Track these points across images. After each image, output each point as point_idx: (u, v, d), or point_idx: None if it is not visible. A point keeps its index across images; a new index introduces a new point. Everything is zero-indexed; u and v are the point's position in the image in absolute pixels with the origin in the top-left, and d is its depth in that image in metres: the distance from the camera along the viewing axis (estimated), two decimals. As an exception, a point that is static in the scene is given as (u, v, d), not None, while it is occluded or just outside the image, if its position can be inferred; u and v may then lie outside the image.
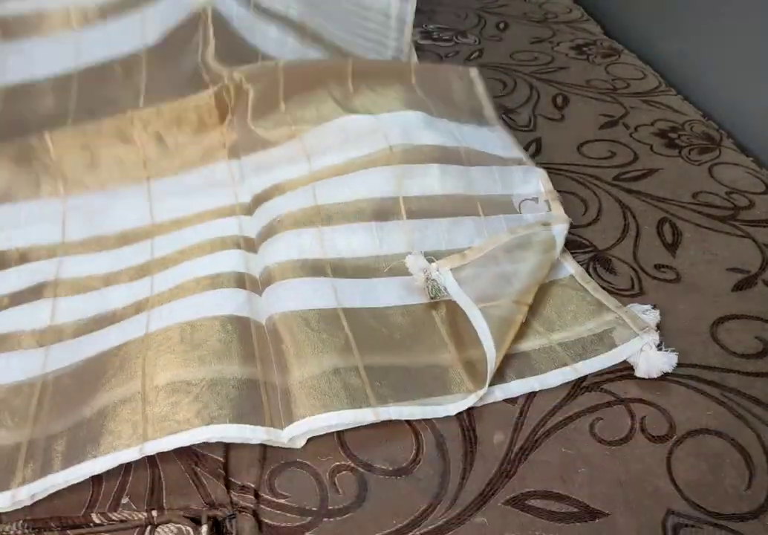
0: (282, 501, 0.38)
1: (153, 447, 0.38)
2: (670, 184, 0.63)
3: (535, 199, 0.58)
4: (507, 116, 0.74)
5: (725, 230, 0.58)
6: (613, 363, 0.46)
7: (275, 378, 0.44)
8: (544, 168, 0.64)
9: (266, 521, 0.38)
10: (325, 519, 0.38)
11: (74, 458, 0.39)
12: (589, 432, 0.42)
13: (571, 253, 0.55)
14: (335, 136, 0.59)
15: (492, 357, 0.44)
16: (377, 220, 0.54)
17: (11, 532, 0.37)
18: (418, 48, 0.86)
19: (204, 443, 0.39)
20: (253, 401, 0.42)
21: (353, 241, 0.53)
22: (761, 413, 0.43)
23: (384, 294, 0.51)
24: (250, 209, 0.57)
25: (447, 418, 0.43)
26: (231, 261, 0.52)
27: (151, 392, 0.41)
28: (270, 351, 0.46)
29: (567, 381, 0.45)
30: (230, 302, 0.48)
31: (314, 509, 0.38)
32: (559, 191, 0.62)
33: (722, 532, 0.37)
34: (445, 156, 0.58)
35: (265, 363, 0.45)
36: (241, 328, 0.46)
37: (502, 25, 0.95)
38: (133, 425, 0.39)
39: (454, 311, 0.48)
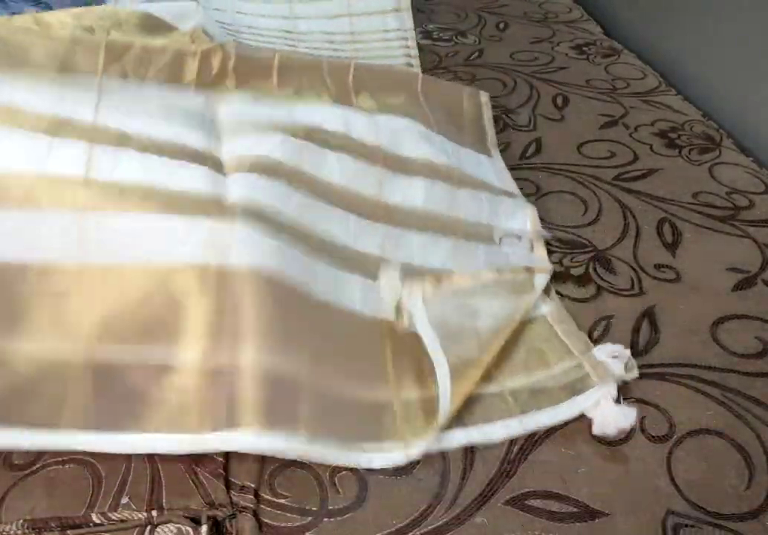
0: (282, 501, 0.38)
1: None
2: (670, 184, 0.63)
3: (518, 237, 0.56)
4: (507, 116, 0.74)
5: (725, 230, 0.58)
6: (567, 418, 0.42)
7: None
8: (545, 168, 0.64)
9: (266, 521, 0.38)
10: (325, 519, 0.38)
11: None
12: (589, 432, 0.42)
13: (571, 253, 0.55)
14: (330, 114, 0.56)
15: (446, 408, 0.41)
16: (355, 214, 0.51)
17: (11, 532, 0.37)
18: (419, 48, 0.86)
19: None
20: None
21: (330, 228, 0.50)
22: (761, 413, 0.43)
23: (349, 290, 0.47)
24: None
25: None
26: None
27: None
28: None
29: (511, 436, 0.41)
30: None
31: (314, 509, 0.38)
32: (559, 191, 0.62)
33: (722, 532, 0.37)
34: (434, 171, 0.56)
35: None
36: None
37: (502, 25, 0.95)
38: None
39: (410, 341, 0.45)
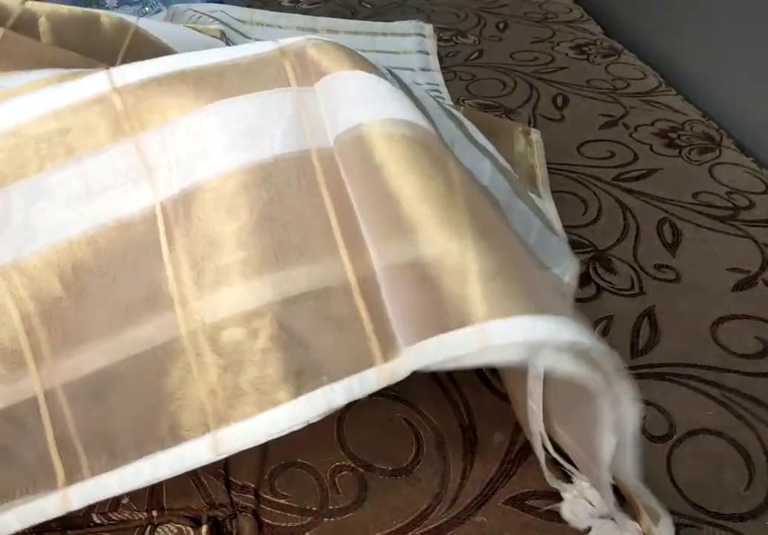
0: (282, 501, 0.38)
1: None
2: (670, 184, 0.63)
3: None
4: (507, 116, 0.74)
5: (725, 230, 0.58)
6: None
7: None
8: (544, 168, 0.64)
9: (266, 521, 0.38)
10: (325, 519, 0.38)
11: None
12: (589, 432, 0.42)
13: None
14: None
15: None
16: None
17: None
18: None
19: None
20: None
21: None
22: (761, 413, 0.43)
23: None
24: None
25: (447, 418, 0.43)
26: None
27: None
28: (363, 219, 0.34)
29: None
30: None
31: (314, 509, 0.38)
32: (559, 191, 0.62)
33: (722, 532, 0.37)
34: (495, 164, 0.48)
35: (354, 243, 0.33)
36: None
37: (502, 25, 0.95)
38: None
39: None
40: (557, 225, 0.56)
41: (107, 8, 0.88)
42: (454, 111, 0.52)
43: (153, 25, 0.59)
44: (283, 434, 0.33)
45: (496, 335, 0.27)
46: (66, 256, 0.34)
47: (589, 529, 0.36)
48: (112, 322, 0.34)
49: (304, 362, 0.33)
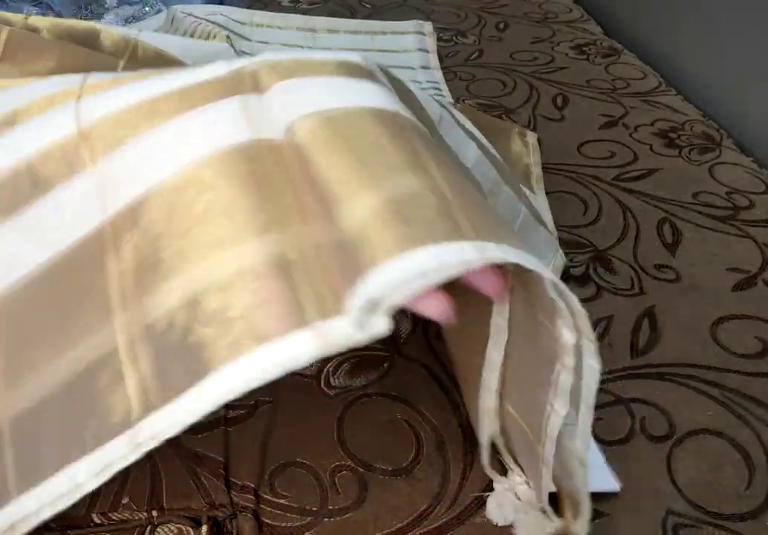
0: (282, 501, 0.38)
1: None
2: (670, 184, 0.63)
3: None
4: (507, 116, 0.74)
5: (725, 230, 0.58)
6: None
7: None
8: (544, 168, 0.64)
9: (266, 521, 0.38)
10: (325, 519, 0.38)
11: None
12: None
13: (572, 253, 0.55)
14: None
15: None
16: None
17: (11, 532, 0.37)
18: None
19: (204, 442, 0.39)
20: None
21: None
22: (761, 413, 0.43)
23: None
24: None
25: (447, 418, 0.43)
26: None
27: None
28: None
29: None
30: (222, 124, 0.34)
31: (314, 509, 0.38)
32: (559, 191, 0.62)
33: (722, 532, 0.37)
34: (481, 149, 0.48)
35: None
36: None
37: (502, 25, 0.95)
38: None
39: None
40: (548, 219, 0.56)
41: (107, 8, 0.88)
42: (450, 107, 0.52)
43: (155, 38, 0.59)
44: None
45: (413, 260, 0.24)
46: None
47: (511, 525, 0.36)
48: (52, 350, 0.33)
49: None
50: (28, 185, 0.36)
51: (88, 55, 0.49)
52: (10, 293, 0.35)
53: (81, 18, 0.86)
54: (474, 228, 0.26)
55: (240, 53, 0.70)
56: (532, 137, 0.62)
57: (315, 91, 0.35)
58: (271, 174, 0.32)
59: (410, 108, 0.38)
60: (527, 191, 0.57)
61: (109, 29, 0.57)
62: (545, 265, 0.40)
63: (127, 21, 0.87)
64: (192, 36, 0.73)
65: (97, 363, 0.31)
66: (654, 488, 0.39)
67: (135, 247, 0.32)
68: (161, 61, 0.56)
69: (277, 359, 0.26)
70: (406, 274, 0.24)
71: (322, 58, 0.37)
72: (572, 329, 0.28)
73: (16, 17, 0.52)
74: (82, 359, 0.32)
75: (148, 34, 0.60)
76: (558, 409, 0.31)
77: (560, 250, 0.53)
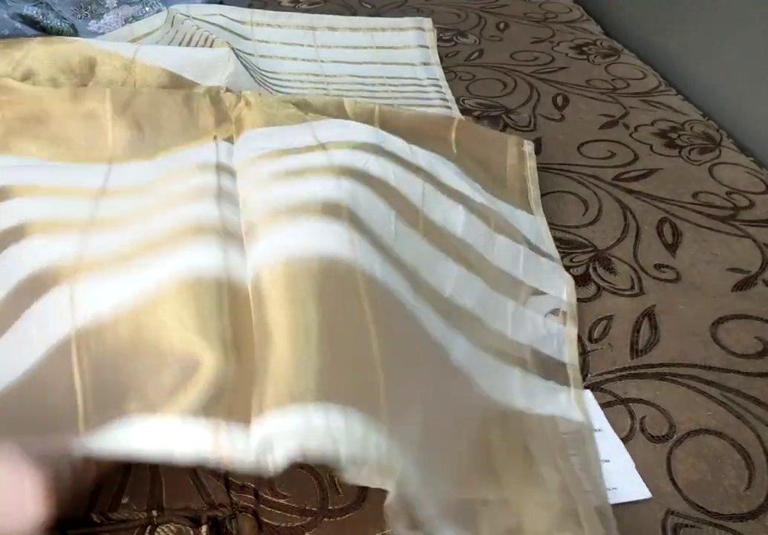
0: (282, 501, 0.38)
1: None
2: (670, 184, 0.63)
3: (556, 311, 0.49)
4: (507, 116, 0.74)
5: (725, 230, 0.58)
6: None
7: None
8: (545, 168, 0.64)
9: (266, 521, 0.38)
10: (325, 519, 0.38)
11: None
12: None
13: (572, 253, 0.55)
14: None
15: None
16: (395, 212, 0.45)
17: (11, 532, 0.37)
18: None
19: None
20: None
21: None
22: (761, 413, 0.43)
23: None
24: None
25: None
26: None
27: None
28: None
29: None
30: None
31: (314, 509, 0.38)
32: (559, 191, 0.62)
33: (722, 532, 0.37)
34: (472, 208, 0.50)
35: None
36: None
37: (502, 25, 0.95)
38: None
39: None
40: (548, 242, 0.56)
41: (107, 8, 0.88)
42: (435, 166, 0.52)
43: (154, 53, 0.60)
44: None
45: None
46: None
47: None
48: None
49: None
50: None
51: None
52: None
53: (81, 18, 0.86)
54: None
55: (240, 57, 0.70)
56: (528, 147, 0.62)
57: (285, 237, 0.40)
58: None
59: (392, 203, 0.44)
60: (525, 214, 0.57)
61: (107, 52, 0.58)
62: (558, 295, 0.50)
63: (127, 21, 0.87)
64: (189, 42, 0.73)
65: None
66: (654, 488, 0.39)
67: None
68: (162, 78, 0.58)
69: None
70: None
71: (308, 200, 0.42)
72: None
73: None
74: None
75: (146, 49, 0.60)
76: None
77: (566, 275, 0.52)
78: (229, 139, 0.51)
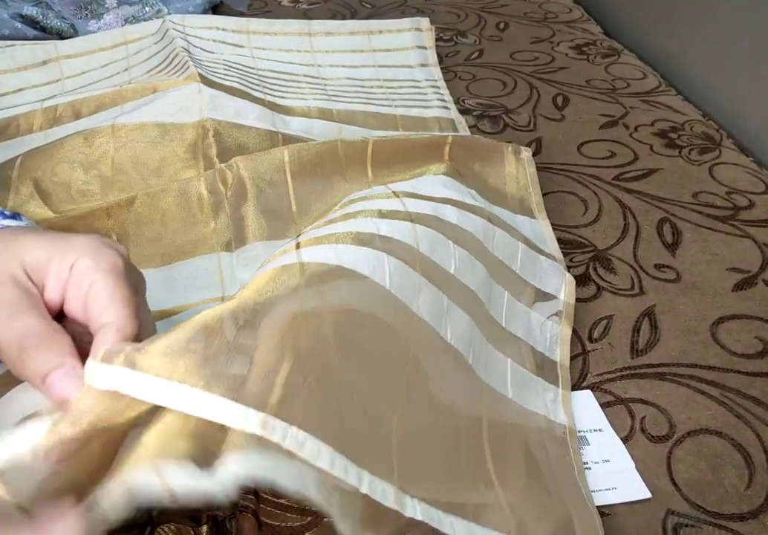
0: (282, 501, 0.38)
1: None
2: (670, 184, 0.63)
3: (558, 314, 0.49)
4: (507, 116, 0.74)
5: (725, 230, 0.58)
6: None
7: None
8: (545, 168, 0.64)
9: (266, 521, 0.38)
10: (325, 519, 0.38)
11: None
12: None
13: (572, 253, 0.55)
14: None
15: None
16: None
17: (11, 532, 0.37)
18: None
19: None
20: None
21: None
22: (761, 413, 0.43)
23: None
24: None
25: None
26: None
27: None
28: None
29: None
30: None
31: (314, 509, 0.38)
32: (559, 191, 0.62)
33: (722, 532, 0.37)
34: (459, 207, 0.49)
35: None
36: None
37: (502, 25, 0.95)
38: None
39: None
40: (551, 244, 0.55)
41: (107, 8, 0.88)
42: (438, 210, 0.49)
43: (132, 118, 0.59)
44: None
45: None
46: None
47: None
48: None
49: None
50: None
51: None
52: None
53: (81, 18, 0.86)
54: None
55: (230, 65, 0.71)
56: (526, 153, 0.61)
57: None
58: None
59: (395, 254, 0.40)
60: (527, 218, 0.57)
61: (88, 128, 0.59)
62: (557, 294, 0.50)
63: (127, 21, 0.87)
64: (168, 65, 0.73)
65: None
66: (654, 488, 0.39)
67: None
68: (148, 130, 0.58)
69: None
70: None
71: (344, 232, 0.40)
72: None
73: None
74: None
75: (126, 117, 0.60)
76: None
77: (567, 274, 0.52)
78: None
